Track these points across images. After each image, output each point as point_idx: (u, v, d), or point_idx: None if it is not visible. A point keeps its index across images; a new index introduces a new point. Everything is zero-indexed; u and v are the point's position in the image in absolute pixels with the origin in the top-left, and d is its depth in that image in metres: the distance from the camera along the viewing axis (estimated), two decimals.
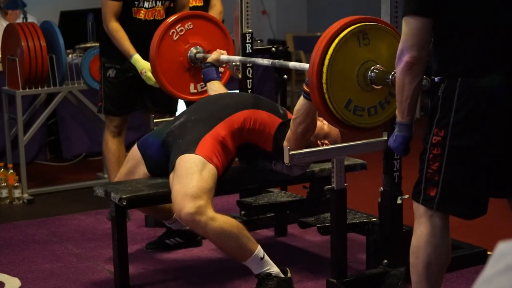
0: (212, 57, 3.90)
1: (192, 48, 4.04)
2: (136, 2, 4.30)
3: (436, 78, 2.64)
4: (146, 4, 4.32)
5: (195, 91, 4.08)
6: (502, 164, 2.61)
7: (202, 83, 4.04)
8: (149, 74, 4.15)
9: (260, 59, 3.84)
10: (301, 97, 3.23)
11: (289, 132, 3.33)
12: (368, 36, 2.97)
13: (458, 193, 2.60)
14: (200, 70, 4.00)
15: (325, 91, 2.92)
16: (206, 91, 4.00)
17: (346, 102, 2.97)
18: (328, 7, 8.90)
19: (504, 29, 2.56)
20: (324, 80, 2.91)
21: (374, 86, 3.00)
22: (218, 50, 3.94)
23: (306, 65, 3.24)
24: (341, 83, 2.95)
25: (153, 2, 4.33)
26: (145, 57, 4.17)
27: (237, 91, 4.20)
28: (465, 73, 2.55)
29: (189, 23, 4.05)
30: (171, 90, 4.04)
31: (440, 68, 2.63)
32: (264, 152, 3.52)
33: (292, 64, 3.53)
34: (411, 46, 2.58)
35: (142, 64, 4.23)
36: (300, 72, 7.87)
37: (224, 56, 3.91)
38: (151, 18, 4.34)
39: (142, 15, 4.33)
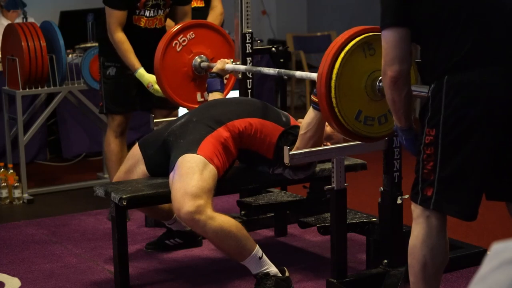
0: (217, 66, 3.89)
1: (196, 57, 4.05)
2: (137, 11, 4.29)
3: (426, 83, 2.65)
4: (147, 13, 4.30)
5: (202, 99, 4.09)
6: (497, 163, 2.60)
7: None
8: (156, 86, 4.15)
9: (266, 68, 3.83)
10: (310, 110, 3.22)
11: (296, 147, 3.30)
12: (373, 46, 2.94)
13: (453, 192, 2.59)
14: (205, 78, 4.00)
15: (334, 105, 2.90)
16: None
17: (357, 114, 2.96)
18: (328, 7, 8.90)
19: (479, 23, 2.55)
20: (333, 95, 2.89)
21: (382, 95, 2.99)
22: (222, 59, 3.93)
23: (313, 75, 3.24)
24: (350, 96, 2.93)
25: (155, 11, 4.32)
26: (145, 63, 4.21)
27: (238, 96, 4.21)
28: (449, 70, 2.55)
29: (191, 32, 4.06)
30: (178, 101, 4.06)
31: (428, 73, 2.64)
32: (265, 159, 3.52)
33: (298, 73, 3.53)
34: (392, 60, 2.59)
35: (148, 78, 4.24)
36: None
37: (229, 66, 3.90)
38: (152, 27, 4.35)
39: (142, 23, 4.32)
